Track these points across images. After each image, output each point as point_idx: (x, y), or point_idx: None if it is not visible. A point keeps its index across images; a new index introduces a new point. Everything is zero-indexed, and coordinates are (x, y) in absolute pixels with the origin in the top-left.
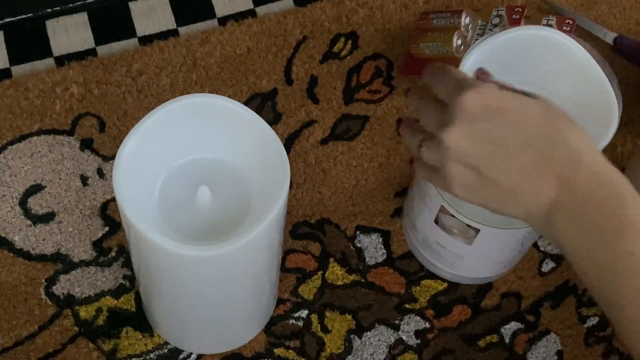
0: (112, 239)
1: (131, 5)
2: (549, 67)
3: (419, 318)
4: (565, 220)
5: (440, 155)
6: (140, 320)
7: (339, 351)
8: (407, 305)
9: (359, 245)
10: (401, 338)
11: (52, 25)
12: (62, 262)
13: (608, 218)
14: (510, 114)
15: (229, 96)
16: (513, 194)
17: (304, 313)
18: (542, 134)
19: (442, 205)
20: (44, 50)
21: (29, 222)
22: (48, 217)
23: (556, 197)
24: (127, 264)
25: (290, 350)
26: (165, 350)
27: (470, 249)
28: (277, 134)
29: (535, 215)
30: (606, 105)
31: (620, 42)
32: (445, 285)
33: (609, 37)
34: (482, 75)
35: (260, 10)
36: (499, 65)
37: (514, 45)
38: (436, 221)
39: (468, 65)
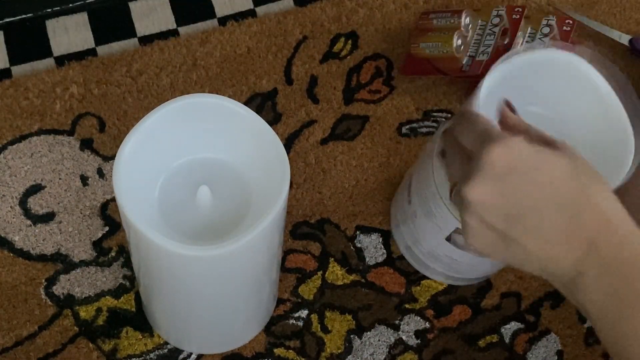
0: (112, 239)
1: (131, 5)
2: (565, 92)
3: (419, 318)
4: (590, 286)
5: (462, 206)
6: (140, 320)
7: (339, 351)
8: (407, 305)
9: (359, 245)
10: (401, 338)
11: (52, 25)
12: (62, 262)
13: (633, 287)
14: (537, 173)
15: (229, 96)
16: (536, 255)
17: (304, 313)
18: (570, 196)
19: (457, 228)
20: (44, 50)
21: (29, 222)
22: (48, 217)
23: (582, 261)
24: (127, 264)
25: (290, 350)
26: (165, 350)
27: (484, 259)
28: (277, 134)
29: (558, 277)
30: (623, 142)
31: (636, 43)
32: (445, 285)
33: (624, 39)
34: (506, 116)
35: (260, 10)
36: (514, 88)
37: (532, 67)
38: (448, 238)
39: (485, 88)
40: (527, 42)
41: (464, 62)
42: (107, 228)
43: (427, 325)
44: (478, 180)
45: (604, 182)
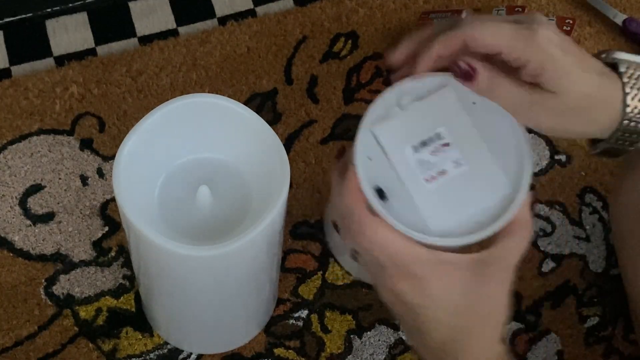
0: (112, 239)
1: (131, 5)
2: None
3: None
4: None
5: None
6: (140, 320)
7: (339, 351)
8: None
9: None
10: (401, 338)
11: (52, 25)
12: (62, 262)
13: None
14: (428, 285)
15: (229, 96)
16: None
17: (304, 313)
18: (450, 330)
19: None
20: (43, 50)
21: (28, 222)
22: (48, 217)
23: None
24: (127, 264)
25: (290, 350)
26: (165, 350)
27: None
28: (277, 134)
29: None
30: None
31: (629, 24)
32: None
33: (619, 18)
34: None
35: (260, 10)
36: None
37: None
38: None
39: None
40: None
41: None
42: (107, 228)
43: None
44: (379, 287)
45: (490, 321)
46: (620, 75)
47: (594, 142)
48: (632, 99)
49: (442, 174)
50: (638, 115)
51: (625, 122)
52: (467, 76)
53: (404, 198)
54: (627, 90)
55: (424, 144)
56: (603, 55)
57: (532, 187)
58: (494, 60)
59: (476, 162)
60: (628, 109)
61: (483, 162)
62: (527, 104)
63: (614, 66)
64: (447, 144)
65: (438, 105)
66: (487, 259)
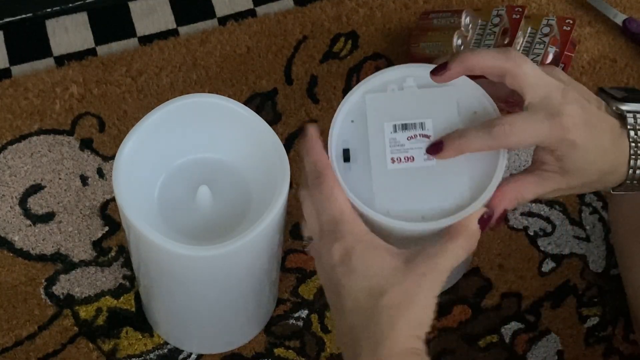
0: (112, 239)
1: (131, 5)
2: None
3: None
4: None
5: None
6: (140, 320)
7: (339, 351)
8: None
9: None
10: None
11: (52, 25)
12: (62, 262)
13: None
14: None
15: (229, 96)
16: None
17: (304, 313)
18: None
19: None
20: (43, 50)
21: (28, 222)
22: (48, 217)
23: None
24: (127, 264)
25: (290, 350)
26: (165, 350)
27: None
28: (277, 134)
29: None
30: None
31: (629, 24)
32: None
33: (619, 18)
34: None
35: (260, 10)
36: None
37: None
38: None
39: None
40: (527, 42)
41: None
42: (107, 228)
43: None
44: (317, 262)
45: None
46: (628, 132)
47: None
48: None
49: (409, 160)
50: None
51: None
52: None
53: (364, 167)
54: (631, 151)
55: (404, 126)
56: (613, 108)
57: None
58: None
59: (446, 163)
60: (631, 162)
61: (452, 165)
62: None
63: (622, 116)
64: (427, 136)
65: (435, 98)
66: (420, 253)
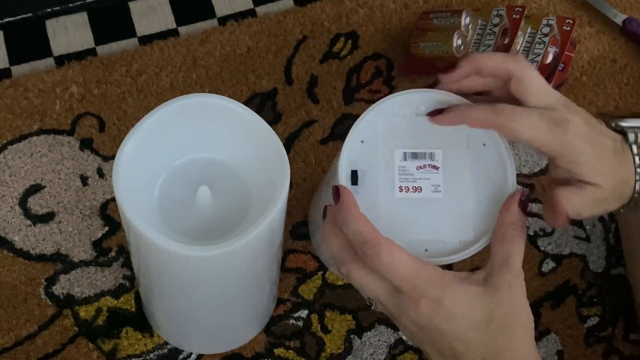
0: (112, 239)
1: (131, 5)
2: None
3: None
4: None
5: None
6: (140, 320)
7: (339, 351)
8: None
9: None
10: (401, 338)
11: (52, 25)
12: (62, 262)
13: None
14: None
15: (229, 96)
16: None
17: (304, 313)
18: (482, 345)
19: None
20: (43, 50)
21: (28, 222)
22: (48, 217)
23: None
24: (127, 264)
25: (290, 350)
26: (165, 350)
27: None
28: (277, 134)
29: None
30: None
31: (629, 24)
32: None
33: (619, 18)
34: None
35: (260, 10)
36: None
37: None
38: None
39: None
40: (527, 42)
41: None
42: (107, 228)
43: None
44: (402, 318)
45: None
46: (630, 146)
47: None
48: None
49: (417, 190)
50: None
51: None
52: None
53: (370, 191)
54: (637, 166)
55: (414, 155)
56: (612, 125)
57: (531, 186)
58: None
59: (453, 197)
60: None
61: (459, 200)
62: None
63: (623, 133)
64: (435, 167)
65: (446, 128)
66: (490, 270)
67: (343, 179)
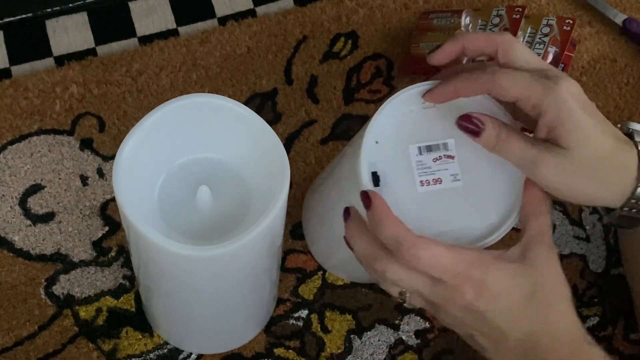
0: (112, 239)
1: (131, 5)
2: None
3: (419, 318)
4: None
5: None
6: (140, 320)
7: (339, 351)
8: (407, 305)
9: None
10: (401, 338)
11: (52, 25)
12: (62, 262)
13: None
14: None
15: (229, 96)
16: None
17: (304, 313)
18: (524, 320)
19: None
20: (43, 50)
21: (28, 222)
22: (48, 217)
23: None
24: (127, 264)
25: (290, 350)
26: (165, 350)
27: None
28: (277, 134)
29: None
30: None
31: (629, 24)
32: None
33: (619, 18)
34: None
35: (260, 10)
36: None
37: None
38: None
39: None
40: (527, 42)
41: (464, 62)
42: (107, 228)
43: (427, 325)
44: (447, 306)
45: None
46: (636, 143)
47: (608, 210)
48: None
49: (437, 182)
50: None
51: None
52: (473, 132)
53: (393, 190)
54: None
55: (429, 148)
56: (619, 125)
57: None
58: (517, 113)
59: (472, 183)
60: None
61: (479, 185)
62: (534, 161)
63: (630, 136)
64: (451, 157)
65: (454, 117)
66: (525, 246)
67: (366, 182)
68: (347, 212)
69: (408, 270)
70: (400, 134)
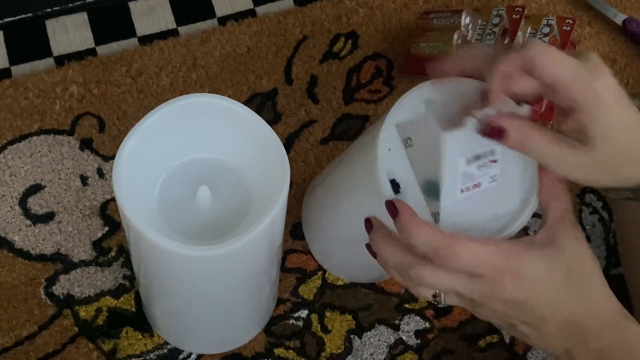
0: (112, 239)
1: (131, 5)
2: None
3: (419, 318)
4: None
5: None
6: (140, 320)
7: (339, 351)
8: (407, 305)
9: None
10: (401, 338)
11: (52, 25)
12: (62, 262)
13: None
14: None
15: (229, 96)
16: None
17: (304, 313)
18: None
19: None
20: (43, 50)
21: (28, 222)
22: (48, 217)
23: (572, 350)
24: (127, 264)
25: (290, 350)
26: (165, 350)
27: None
28: (277, 134)
29: (551, 353)
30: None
31: (629, 24)
32: None
33: (619, 18)
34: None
35: (260, 10)
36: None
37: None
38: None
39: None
40: None
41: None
42: (107, 228)
43: (427, 325)
44: (488, 301)
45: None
46: None
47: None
48: None
49: (476, 186)
50: None
51: None
52: (496, 134)
53: (414, 198)
54: None
55: (477, 157)
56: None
57: None
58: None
59: (504, 178)
60: None
61: (509, 178)
62: (560, 161)
63: None
64: (495, 161)
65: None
66: (551, 229)
67: (388, 191)
68: (369, 222)
69: (446, 272)
70: (452, 150)
